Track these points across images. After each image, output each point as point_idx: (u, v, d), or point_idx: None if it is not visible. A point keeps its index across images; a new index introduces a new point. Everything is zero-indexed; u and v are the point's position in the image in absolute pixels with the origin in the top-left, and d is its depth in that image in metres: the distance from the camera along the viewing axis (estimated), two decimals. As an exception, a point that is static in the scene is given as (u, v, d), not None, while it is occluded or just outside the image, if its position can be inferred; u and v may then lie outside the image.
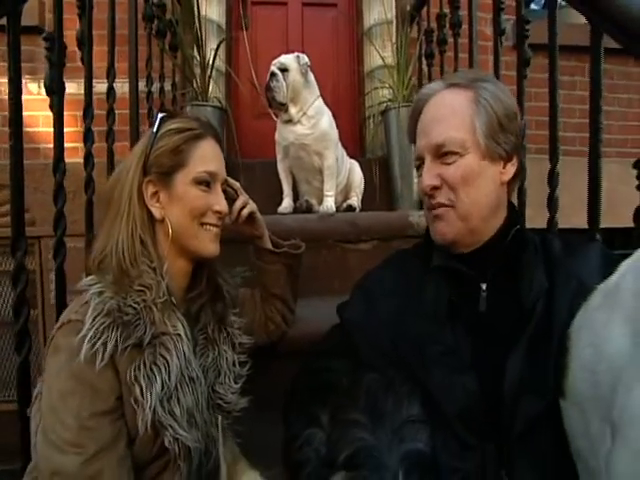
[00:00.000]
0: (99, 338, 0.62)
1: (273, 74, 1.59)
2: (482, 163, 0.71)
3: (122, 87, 1.39)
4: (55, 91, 0.95)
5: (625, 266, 0.50)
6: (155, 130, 0.76)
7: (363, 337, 0.79)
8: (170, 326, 0.70)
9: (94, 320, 0.63)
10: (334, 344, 0.86)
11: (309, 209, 1.75)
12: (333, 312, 1.00)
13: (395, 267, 0.88)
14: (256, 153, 2.24)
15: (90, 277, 0.70)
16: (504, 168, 0.73)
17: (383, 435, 0.62)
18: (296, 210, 1.75)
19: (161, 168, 0.74)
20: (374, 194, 2.04)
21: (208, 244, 0.78)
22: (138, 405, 0.64)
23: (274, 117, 1.91)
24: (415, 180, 1.95)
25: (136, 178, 0.74)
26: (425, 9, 1.90)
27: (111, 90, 1.23)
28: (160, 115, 0.77)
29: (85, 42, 1.09)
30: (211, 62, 1.81)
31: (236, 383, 0.81)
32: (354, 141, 2.36)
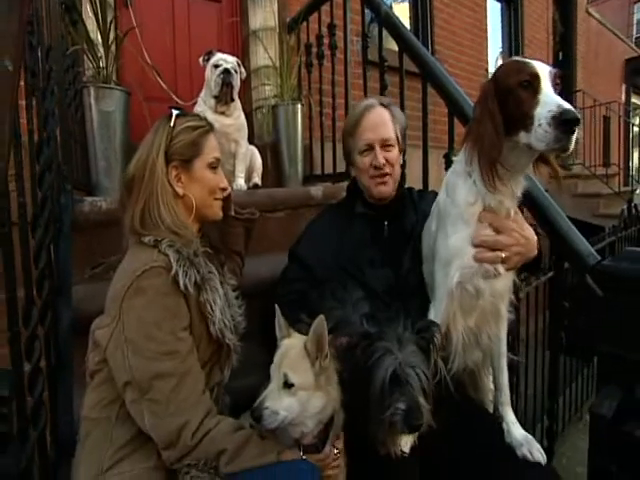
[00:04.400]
0: (186, 276, 0.87)
1: (229, 72, 1.82)
2: (398, 152, 1.26)
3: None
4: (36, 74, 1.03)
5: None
6: (172, 125, 0.97)
7: (316, 262, 1.25)
8: (212, 267, 0.98)
9: (177, 263, 0.87)
10: (294, 276, 1.28)
11: (222, 187, 2.04)
12: (263, 265, 1.43)
13: (327, 216, 1.38)
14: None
15: (150, 236, 0.90)
16: (400, 154, 1.29)
17: (348, 310, 1.08)
18: (210, 188, 2.01)
19: (183, 156, 0.98)
20: (266, 174, 2.43)
21: (218, 211, 1.07)
22: (211, 317, 0.92)
23: (177, 99, 2.09)
24: (300, 161, 2.44)
25: (163, 165, 0.96)
26: (305, 24, 2.35)
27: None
28: (175, 112, 1.00)
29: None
30: (114, 43, 1.85)
31: (240, 308, 1.09)
32: (243, 129, 2.66)
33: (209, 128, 1.04)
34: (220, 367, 1.01)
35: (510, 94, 0.89)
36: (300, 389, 0.85)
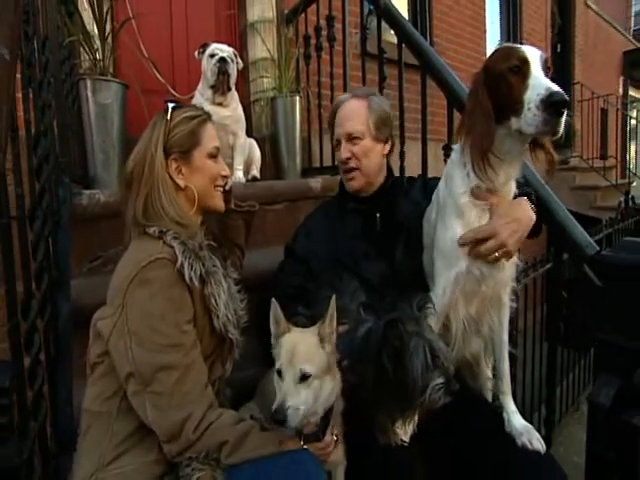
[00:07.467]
0: (192, 268, 0.86)
1: (225, 60, 1.80)
2: (373, 143, 1.23)
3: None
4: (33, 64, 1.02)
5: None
6: (169, 118, 0.96)
7: (312, 255, 1.25)
8: (216, 261, 0.97)
9: (183, 255, 0.85)
10: (290, 270, 1.28)
11: (220, 180, 2.03)
12: (262, 257, 1.41)
13: (322, 211, 1.38)
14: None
15: (154, 227, 0.89)
16: (384, 146, 1.26)
17: (346, 300, 1.08)
18: (209, 181, 2.01)
19: (182, 148, 0.96)
20: (265, 167, 2.42)
21: (220, 202, 1.05)
22: (214, 310, 0.91)
23: (174, 93, 2.07)
24: (299, 154, 2.42)
25: (162, 159, 0.94)
26: (303, 16, 2.32)
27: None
28: (172, 105, 0.98)
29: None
30: (111, 35, 1.83)
31: (242, 302, 1.08)
32: (241, 122, 2.63)
33: (207, 117, 1.02)
34: (222, 361, 1.01)
35: (500, 80, 0.90)
36: (315, 378, 0.83)
